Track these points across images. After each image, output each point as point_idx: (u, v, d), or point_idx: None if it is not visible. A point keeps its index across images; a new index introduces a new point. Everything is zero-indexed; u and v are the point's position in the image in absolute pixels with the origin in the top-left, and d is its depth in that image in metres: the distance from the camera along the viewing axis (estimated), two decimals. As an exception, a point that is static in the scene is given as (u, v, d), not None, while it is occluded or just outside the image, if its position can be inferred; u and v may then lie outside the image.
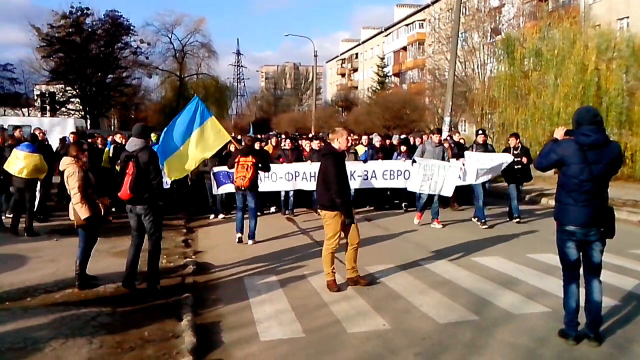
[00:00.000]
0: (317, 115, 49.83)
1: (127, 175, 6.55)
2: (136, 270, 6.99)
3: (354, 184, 12.69)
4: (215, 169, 12.31)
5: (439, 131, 12.61)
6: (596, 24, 27.52)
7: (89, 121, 42.88)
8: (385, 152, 14.35)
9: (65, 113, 43.97)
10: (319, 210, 7.31)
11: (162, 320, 5.73)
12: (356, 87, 74.39)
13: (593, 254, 5.11)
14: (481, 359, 4.87)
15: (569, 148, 5.03)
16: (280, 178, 12.85)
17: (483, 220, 11.59)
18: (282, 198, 13.67)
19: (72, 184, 6.72)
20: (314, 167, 12.06)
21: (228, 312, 6.18)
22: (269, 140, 15.89)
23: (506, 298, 6.56)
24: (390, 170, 13.33)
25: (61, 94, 45.45)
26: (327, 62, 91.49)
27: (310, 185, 12.40)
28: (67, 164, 6.88)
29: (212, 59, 60.72)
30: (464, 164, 11.70)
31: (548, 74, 21.40)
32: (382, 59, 60.82)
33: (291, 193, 13.41)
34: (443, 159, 11.49)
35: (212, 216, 13.06)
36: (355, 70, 79.56)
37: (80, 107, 45.28)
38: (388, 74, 59.58)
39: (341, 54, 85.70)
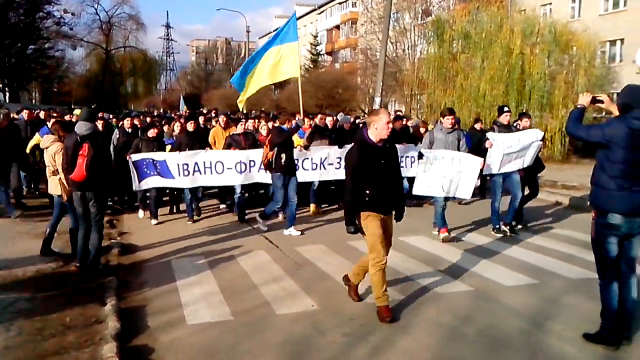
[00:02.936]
0: (249, 93, 49.16)
1: (81, 157, 6.47)
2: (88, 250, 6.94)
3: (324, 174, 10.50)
4: (136, 157, 9.40)
5: (451, 111, 9.10)
6: (522, 9, 28.40)
7: (7, 94, 40.63)
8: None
9: (-19, 85, 41.52)
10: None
11: (85, 305, 5.54)
12: (289, 65, 73.90)
13: (633, 247, 4.71)
14: (407, 337, 4.98)
15: (619, 131, 4.48)
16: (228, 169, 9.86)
17: (500, 227, 9.13)
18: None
19: (59, 161, 6.94)
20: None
21: (154, 295, 6.05)
22: (216, 119, 13.19)
23: (431, 277, 6.74)
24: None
25: (-24, 64, 42.80)
26: (259, 38, 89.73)
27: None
28: (51, 142, 7.14)
29: (140, 32, 58.85)
30: (487, 151, 8.90)
31: (475, 57, 21.88)
32: (315, 37, 60.61)
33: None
34: (459, 148, 8.90)
35: (140, 213, 10.53)
36: (288, 47, 78.95)
37: (-2, 79, 42.82)
38: (321, 52, 59.52)
39: (274, 30, 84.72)
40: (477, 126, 12.62)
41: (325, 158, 10.33)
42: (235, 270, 7.03)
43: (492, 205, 9.09)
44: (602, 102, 4.88)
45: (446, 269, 7.08)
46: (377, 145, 5.32)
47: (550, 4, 31.08)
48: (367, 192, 5.27)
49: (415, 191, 9.09)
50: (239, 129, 10.59)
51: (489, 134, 9.03)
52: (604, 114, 19.74)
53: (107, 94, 51.74)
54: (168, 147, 10.23)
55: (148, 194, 10.06)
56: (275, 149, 8.84)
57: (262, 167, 9.41)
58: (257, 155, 9.71)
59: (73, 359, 4.38)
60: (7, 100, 35.91)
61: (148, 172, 9.42)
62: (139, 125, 12.13)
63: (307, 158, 10.19)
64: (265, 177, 9.70)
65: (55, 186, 7.14)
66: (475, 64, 21.83)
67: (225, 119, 11.70)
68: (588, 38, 21.75)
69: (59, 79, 54.90)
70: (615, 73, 25.12)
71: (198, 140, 10.16)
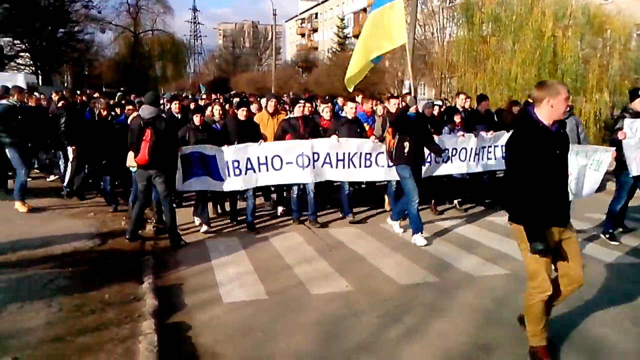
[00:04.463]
0: (277, 76, 49.18)
1: (144, 142, 6.87)
2: (141, 225, 7.57)
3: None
4: (187, 149, 7.75)
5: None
6: (553, -10, 27.78)
7: (40, 77, 41.24)
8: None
9: (15, 68, 42.10)
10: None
11: (123, 283, 5.65)
12: (316, 48, 73.57)
13: None
14: (442, 320, 4.97)
15: None
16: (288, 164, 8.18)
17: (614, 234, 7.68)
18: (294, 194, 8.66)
19: None
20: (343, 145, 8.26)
21: (190, 274, 6.13)
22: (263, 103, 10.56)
23: (466, 261, 6.70)
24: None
25: (9, 47, 43.43)
26: (286, 22, 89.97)
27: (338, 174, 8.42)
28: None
29: (167, 15, 59.21)
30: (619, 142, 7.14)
31: (506, 40, 21.53)
32: (342, 19, 60.15)
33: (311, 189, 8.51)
34: (578, 138, 8.07)
35: (197, 221, 8.35)
36: (315, 30, 78.54)
37: (31, 62, 43.43)
38: (348, 35, 59.04)
39: (300, 14, 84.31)
40: (515, 110, 10.30)
41: (355, 153, 8.34)
42: (269, 251, 7.08)
43: (612, 207, 7.60)
44: None
45: (481, 253, 7.02)
46: (551, 130, 4.06)
47: (583, -15, 30.35)
48: (541, 195, 3.98)
49: None
50: (296, 111, 8.70)
51: (625, 122, 7.08)
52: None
53: (136, 77, 52.25)
54: None
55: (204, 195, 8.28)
56: (397, 135, 7.63)
57: (329, 160, 8.18)
58: (323, 145, 8.18)
59: (113, 334, 4.47)
60: (40, 84, 36.42)
61: (196, 170, 7.81)
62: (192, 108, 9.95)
63: (329, 152, 8.26)
64: (330, 174, 8.32)
65: (131, 159, 7.48)
66: (506, 47, 21.50)
67: (274, 102, 9.29)
68: (623, 20, 21.21)
69: (89, 63, 55.52)
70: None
71: (249, 131, 8.25)
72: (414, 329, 4.77)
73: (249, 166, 8.00)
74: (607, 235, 7.60)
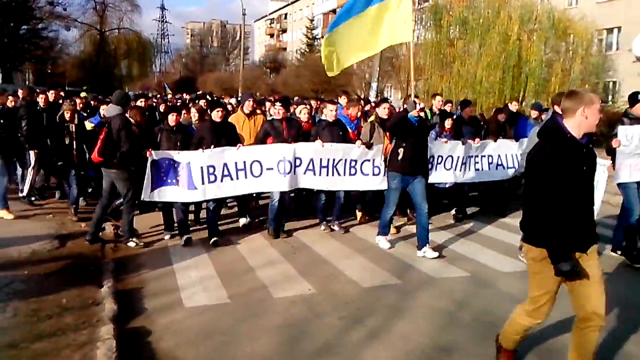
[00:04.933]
0: (245, 76, 48.90)
1: (99, 140, 6.86)
2: (100, 228, 7.38)
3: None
4: (158, 154, 7.12)
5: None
6: (520, -5, 28.32)
7: (0, 75, 40.23)
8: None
9: (-26, 66, 41.10)
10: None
11: (82, 287, 5.53)
12: (285, 49, 73.51)
13: None
14: (403, 322, 5.01)
15: None
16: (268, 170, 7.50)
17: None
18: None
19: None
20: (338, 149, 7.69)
21: (151, 278, 6.05)
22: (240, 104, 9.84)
23: (427, 262, 6.77)
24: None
25: (-33, 44, 42.32)
26: (255, 22, 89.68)
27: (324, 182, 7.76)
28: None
29: (135, 13, 58.13)
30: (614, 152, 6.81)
31: (473, 43, 21.89)
32: (312, 20, 60.26)
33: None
34: None
35: (167, 237, 7.72)
36: (284, 31, 78.47)
37: (-10, 60, 42.37)
38: (317, 37, 59.13)
39: (270, 14, 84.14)
40: (501, 117, 9.89)
41: (340, 160, 7.68)
42: (232, 254, 7.04)
43: (622, 221, 6.95)
44: None
45: (441, 254, 7.10)
46: (581, 143, 3.69)
47: (549, -11, 31.00)
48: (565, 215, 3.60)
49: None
50: (275, 112, 7.99)
51: (619, 129, 6.70)
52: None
53: (101, 75, 51.34)
54: None
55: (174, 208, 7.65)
56: (394, 140, 7.16)
57: (312, 167, 7.53)
58: (306, 150, 7.52)
59: (70, 340, 4.37)
60: (0, 81, 35.53)
61: (166, 178, 7.12)
62: (162, 109, 10.08)
63: (312, 158, 7.59)
64: (313, 182, 7.70)
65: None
66: (473, 50, 21.86)
67: (252, 102, 8.54)
68: (585, 25, 21.78)
69: (53, 60, 54.31)
70: (611, 61, 25.17)
71: (225, 133, 7.52)
72: (376, 330, 4.79)
73: (225, 172, 7.29)
74: (615, 251, 7.05)
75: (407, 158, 6.91)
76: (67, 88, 36.73)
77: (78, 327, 4.62)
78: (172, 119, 7.42)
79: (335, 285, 5.91)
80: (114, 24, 57.56)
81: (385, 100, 8.92)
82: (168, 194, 7.20)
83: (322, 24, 61.25)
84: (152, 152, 7.02)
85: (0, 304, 5.01)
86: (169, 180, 7.11)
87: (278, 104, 8.04)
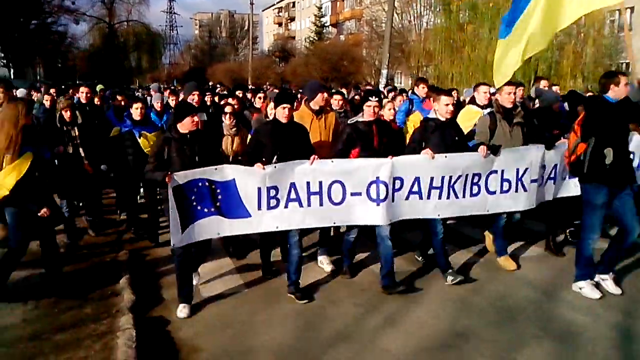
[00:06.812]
0: (254, 66, 48.96)
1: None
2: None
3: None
4: (180, 177, 4.80)
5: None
6: (529, -23, 27.99)
7: (12, 70, 40.47)
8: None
9: (-15, 61, 41.35)
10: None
11: (100, 278, 5.60)
12: (293, 37, 73.19)
13: None
14: (419, 308, 5.03)
15: None
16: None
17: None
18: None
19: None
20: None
21: (168, 269, 6.08)
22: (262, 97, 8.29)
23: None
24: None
25: (-22, 39, 42.55)
26: (263, 11, 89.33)
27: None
28: None
29: (142, 5, 58.33)
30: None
31: (483, 28, 21.69)
32: (320, 8, 59.90)
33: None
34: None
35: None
36: (292, 19, 78.16)
37: (2, 55, 42.58)
38: (325, 24, 58.90)
39: (277, 2, 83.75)
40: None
41: (460, 177, 5.52)
42: (248, 243, 7.04)
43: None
44: None
45: (456, 240, 7.08)
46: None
47: (559, -28, 30.59)
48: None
49: None
50: (366, 111, 5.39)
51: None
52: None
53: (111, 69, 51.52)
54: None
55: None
56: (592, 138, 5.00)
57: (419, 188, 5.38)
58: (410, 166, 5.36)
59: (91, 330, 4.45)
60: (12, 77, 35.75)
61: (200, 207, 4.95)
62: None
63: (419, 177, 5.41)
64: (419, 210, 5.50)
65: None
66: (483, 34, 21.64)
67: (324, 95, 6.00)
68: (597, 7, 21.48)
69: (63, 55, 54.61)
70: (624, 43, 24.79)
71: (294, 141, 5.24)
72: (392, 317, 4.83)
73: (292, 196, 5.19)
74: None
75: (615, 162, 4.95)
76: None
77: (98, 317, 4.70)
78: (188, 121, 4.98)
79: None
80: (122, 16, 57.76)
81: (513, 83, 6.17)
82: (207, 228, 5.05)
83: (330, 11, 61.03)
84: (173, 175, 4.76)
85: (21, 297, 5.07)
86: (205, 209, 4.98)
87: (337, 96, 6.23)
